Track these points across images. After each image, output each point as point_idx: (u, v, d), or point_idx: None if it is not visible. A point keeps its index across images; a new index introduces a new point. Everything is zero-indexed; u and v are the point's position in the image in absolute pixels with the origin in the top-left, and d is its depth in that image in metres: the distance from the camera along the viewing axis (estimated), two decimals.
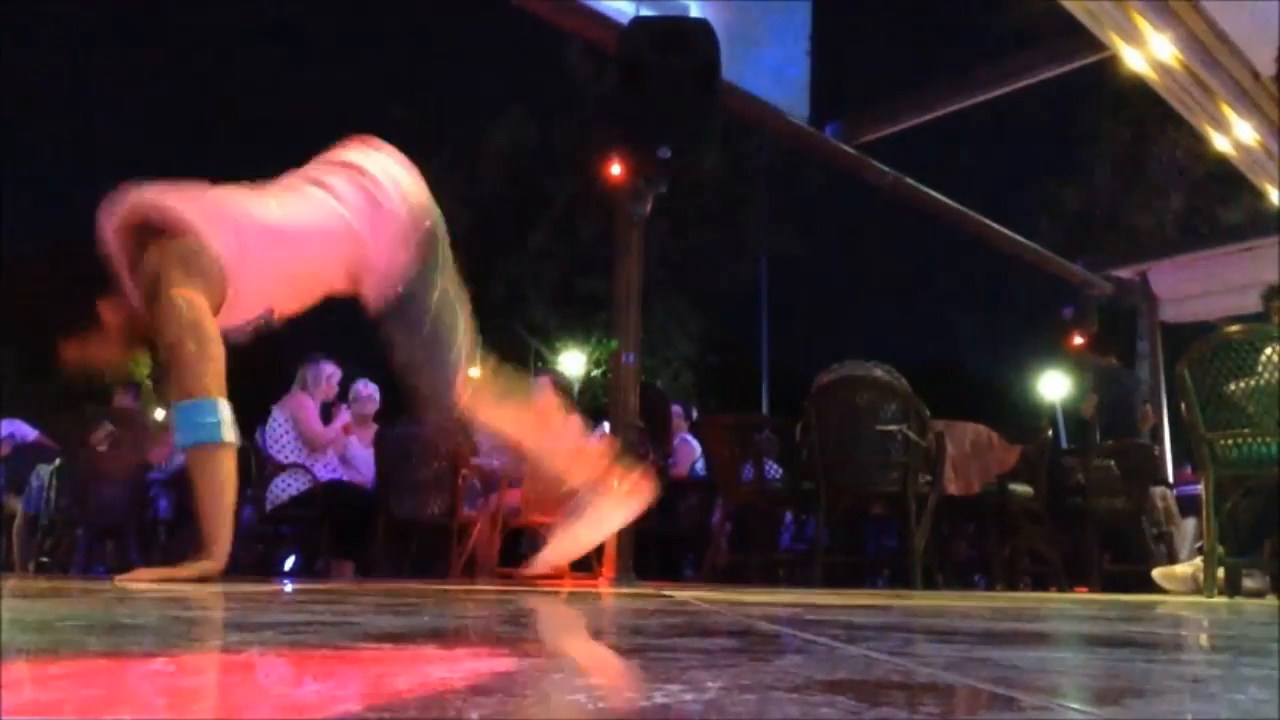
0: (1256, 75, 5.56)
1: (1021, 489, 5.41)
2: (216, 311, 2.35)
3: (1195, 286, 8.72)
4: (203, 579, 2.27)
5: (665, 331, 21.20)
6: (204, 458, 2.30)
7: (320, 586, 2.95)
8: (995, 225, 8.15)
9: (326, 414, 5.75)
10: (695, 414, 7.73)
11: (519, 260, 20.18)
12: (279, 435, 5.46)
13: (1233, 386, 3.64)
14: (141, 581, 2.25)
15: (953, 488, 4.79)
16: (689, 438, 6.59)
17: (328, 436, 5.54)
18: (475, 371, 2.65)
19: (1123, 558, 6.00)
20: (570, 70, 18.71)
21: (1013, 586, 5.29)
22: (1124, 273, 9.19)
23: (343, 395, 5.97)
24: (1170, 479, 7.47)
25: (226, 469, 2.32)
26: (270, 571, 6.20)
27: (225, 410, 2.30)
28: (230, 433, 2.29)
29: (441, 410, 2.60)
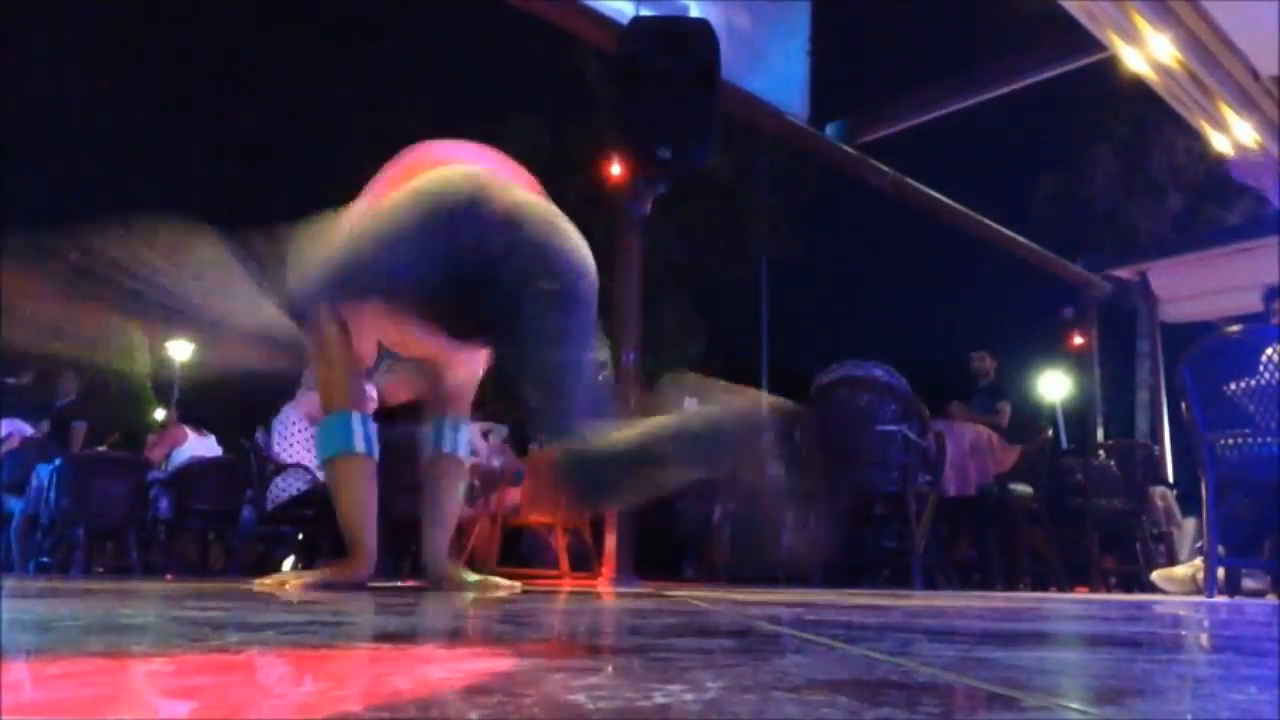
0: (1256, 75, 5.55)
1: (1021, 489, 5.41)
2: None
3: (1195, 286, 8.71)
4: (350, 583, 2.34)
5: (673, 334, 21.18)
6: (339, 466, 2.41)
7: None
8: (995, 225, 8.15)
9: None
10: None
11: None
12: (290, 434, 5.43)
13: (1233, 386, 3.64)
14: (284, 586, 2.31)
15: (950, 487, 4.79)
16: None
17: None
18: None
19: (1123, 558, 6.00)
20: (580, 71, 18.68)
21: (1013, 586, 5.29)
22: (1124, 273, 9.18)
23: None
24: (1170, 479, 7.47)
25: (362, 476, 2.43)
26: (270, 571, 6.19)
27: (357, 422, 2.41)
28: (361, 443, 2.40)
29: None
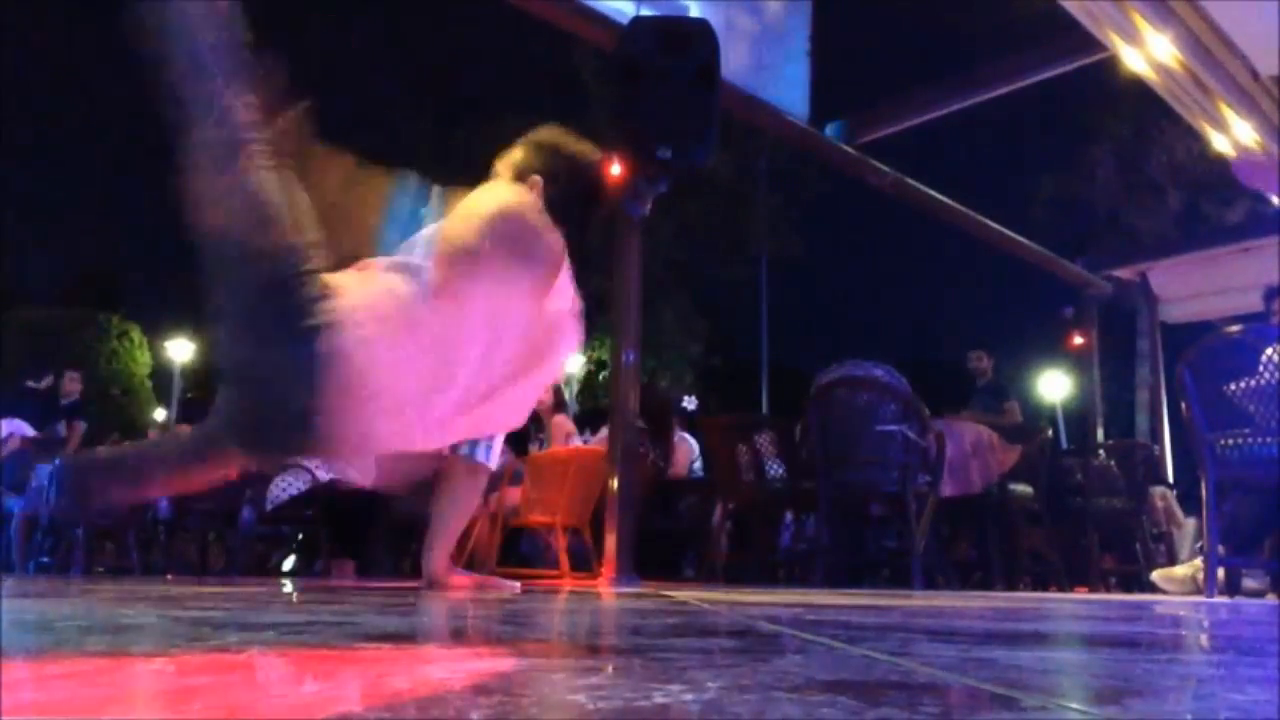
0: (1256, 75, 5.55)
1: (1021, 489, 5.41)
2: None
3: (1195, 286, 8.71)
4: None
5: (672, 334, 21.20)
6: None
7: (320, 586, 2.95)
8: (995, 225, 8.15)
9: None
10: (694, 404, 7.70)
11: None
12: None
13: (1233, 386, 3.64)
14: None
15: (949, 488, 4.79)
16: (686, 436, 6.59)
17: None
18: None
19: (1123, 558, 6.00)
20: (578, 71, 18.68)
21: (1013, 586, 5.29)
22: (1124, 273, 9.18)
23: None
24: (1170, 479, 7.47)
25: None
26: (270, 571, 6.20)
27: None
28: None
29: None
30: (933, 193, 7.51)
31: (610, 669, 0.78)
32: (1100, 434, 9.07)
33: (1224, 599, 3.57)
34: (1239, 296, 7.36)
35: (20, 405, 7.00)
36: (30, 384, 7.12)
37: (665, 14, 4.91)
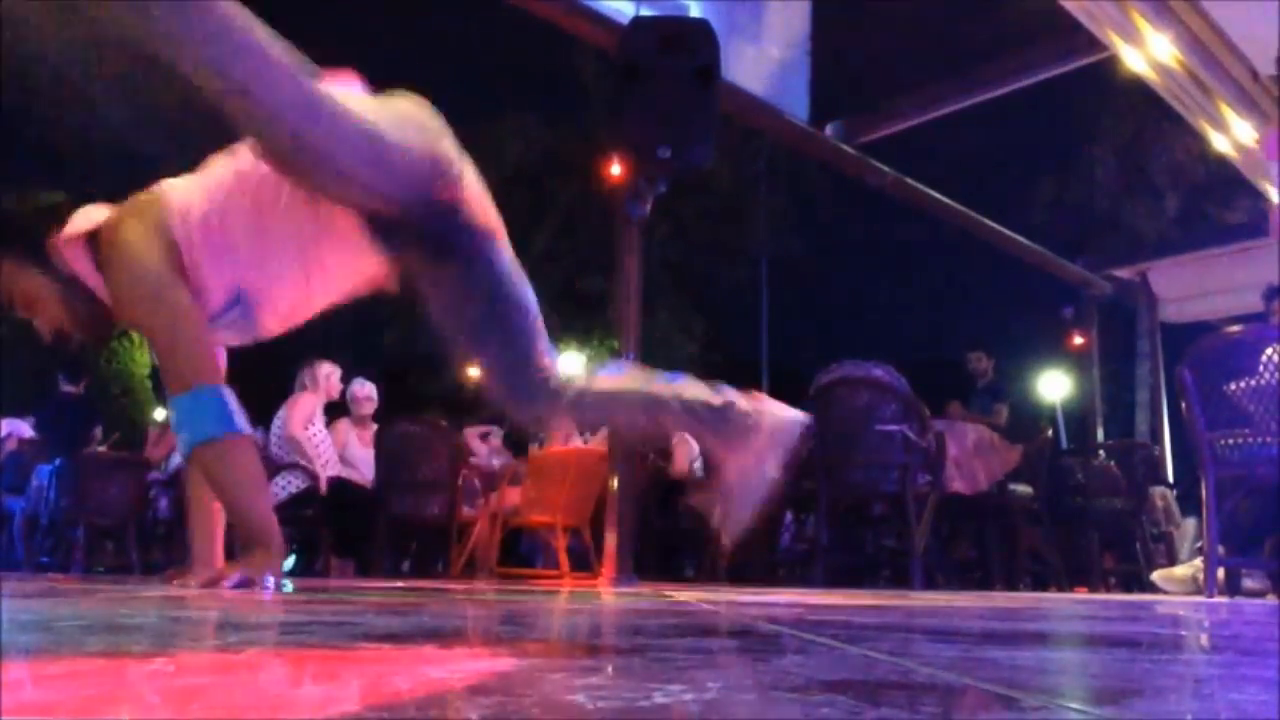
0: (1256, 75, 5.56)
1: (1021, 489, 5.42)
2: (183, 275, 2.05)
3: (1195, 286, 8.72)
4: (269, 576, 2.08)
5: (668, 333, 21.21)
6: (223, 452, 2.06)
7: (320, 586, 2.95)
8: (995, 225, 8.15)
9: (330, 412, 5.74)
10: None
11: (522, 262, 20.17)
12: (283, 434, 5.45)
13: (1233, 386, 3.64)
14: (194, 584, 2.12)
15: (958, 485, 4.79)
16: (686, 435, 6.58)
17: (300, 435, 5.40)
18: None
19: (1123, 558, 6.00)
20: (578, 71, 18.70)
21: (1013, 586, 5.29)
22: (1124, 273, 9.19)
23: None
24: (1170, 479, 7.47)
25: (252, 459, 2.14)
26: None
27: (231, 397, 2.06)
28: (244, 422, 2.07)
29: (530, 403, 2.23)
30: (933, 193, 7.51)
31: (610, 669, 0.78)
32: (1100, 434, 9.07)
33: (1224, 599, 3.57)
34: (1239, 296, 7.37)
35: (51, 408, 7.03)
36: (69, 389, 7.13)
37: (665, 14, 4.91)
